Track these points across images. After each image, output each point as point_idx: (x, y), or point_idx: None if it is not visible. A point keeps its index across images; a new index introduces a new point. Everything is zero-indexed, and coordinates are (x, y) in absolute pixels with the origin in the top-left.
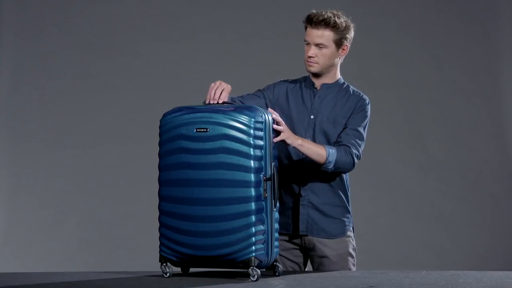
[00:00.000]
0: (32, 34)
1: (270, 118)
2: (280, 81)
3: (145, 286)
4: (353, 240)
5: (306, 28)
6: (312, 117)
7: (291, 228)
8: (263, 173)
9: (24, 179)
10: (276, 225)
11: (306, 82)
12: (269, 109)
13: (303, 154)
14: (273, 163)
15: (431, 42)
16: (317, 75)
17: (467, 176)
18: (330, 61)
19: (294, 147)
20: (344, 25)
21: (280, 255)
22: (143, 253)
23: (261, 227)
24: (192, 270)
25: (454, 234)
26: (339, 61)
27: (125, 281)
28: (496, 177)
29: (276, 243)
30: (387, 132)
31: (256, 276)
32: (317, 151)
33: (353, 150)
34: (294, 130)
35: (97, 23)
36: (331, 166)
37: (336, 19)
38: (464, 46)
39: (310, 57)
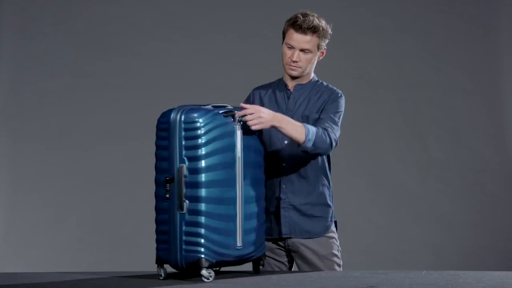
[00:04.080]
0: (32, 34)
1: (182, 117)
2: (254, 89)
3: (145, 286)
4: (337, 241)
5: (287, 30)
6: None
7: (273, 232)
8: (167, 174)
9: (24, 179)
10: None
11: (279, 84)
12: (241, 104)
13: (282, 134)
14: (182, 164)
15: (431, 42)
16: (294, 77)
17: (467, 176)
18: (311, 65)
19: (274, 127)
20: (327, 30)
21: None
22: (143, 253)
23: (162, 227)
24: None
25: (454, 234)
26: (315, 63)
27: (125, 281)
28: (496, 177)
29: (197, 240)
30: (387, 132)
31: (208, 278)
32: (297, 128)
33: (330, 132)
34: (270, 133)
35: (97, 23)
36: (310, 144)
37: (322, 24)
38: (464, 46)
39: (294, 61)
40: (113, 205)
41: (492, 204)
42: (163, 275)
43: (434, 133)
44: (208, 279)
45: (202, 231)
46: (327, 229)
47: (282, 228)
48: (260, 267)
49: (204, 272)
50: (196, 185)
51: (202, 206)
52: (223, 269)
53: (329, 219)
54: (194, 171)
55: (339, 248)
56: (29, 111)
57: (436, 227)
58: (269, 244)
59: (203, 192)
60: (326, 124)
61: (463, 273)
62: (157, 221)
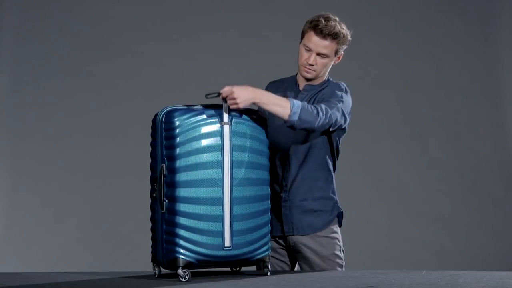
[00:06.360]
0: (32, 34)
1: (163, 118)
2: (270, 82)
3: (145, 286)
4: (339, 242)
5: (306, 31)
6: None
7: (276, 230)
8: (155, 173)
9: (24, 179)
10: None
11: (292, 82)
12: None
13: (265, 109)
14: (163, 164)
15: (431, 42)
16: (308, 79)
17: (467, 176)
18: (326, 69)
19: (256, 104)
20: (347, 37)
21: None
22: (143, 253)
23: (152, 226)
24: (194, 270)
25: (454, 234)
26: (330, 67)
27: (125, 281)
28: (496, 177)
29: (182, 242)
30: (387, 132)
31: (184, 278)
32: (280, 103)
33: (319, 106)
34: (276, 129)
35: (97, 23)
36: (296, 117)
37: (343, 31)
38: (464, 46)
39: (310, 65)
40: (113, 205)
41: (492, 204)
42: (157, 273)
43: (434, 133)
44: (184, 278)
45: (178, 230)
46: (328, 222)
47: (284, 226)
48: (265, 269)
49: (180, 271)
50: (173, 184)
51: (179, 206)
52: (224, 269)
53: (331, 212)
54: (172, 170)
55: (342, 248)
56: (29, 111)
57: (436, 227)
58: (271, 243)
59: (180, 192)
60: (322, 103)
61: (463, 273)
62: (150, 220)
